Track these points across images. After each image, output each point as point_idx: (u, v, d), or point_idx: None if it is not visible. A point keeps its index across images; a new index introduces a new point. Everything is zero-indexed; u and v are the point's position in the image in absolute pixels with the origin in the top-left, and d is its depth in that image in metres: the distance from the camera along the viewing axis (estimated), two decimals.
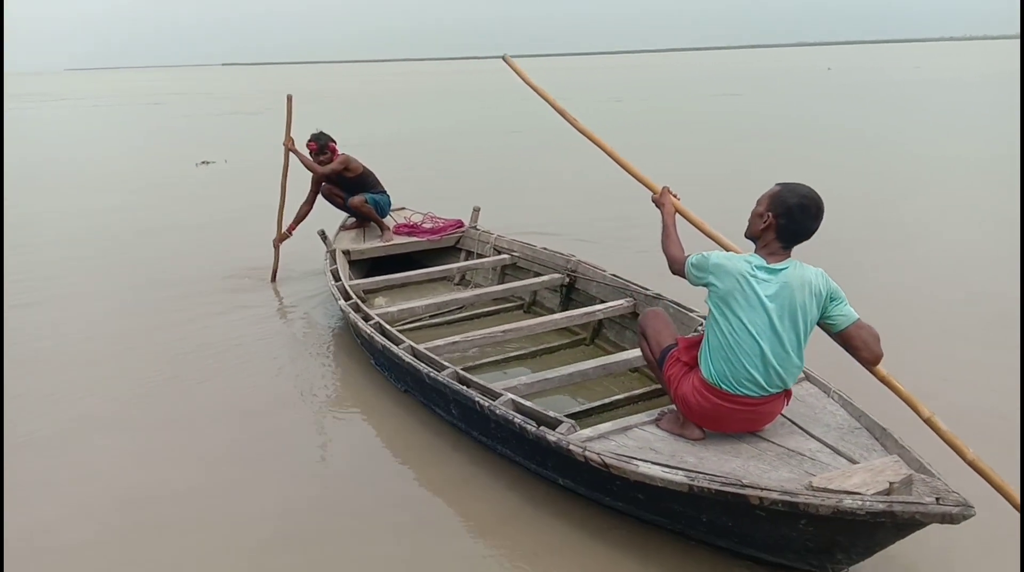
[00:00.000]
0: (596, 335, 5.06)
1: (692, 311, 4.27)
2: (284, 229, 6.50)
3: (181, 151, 16.17)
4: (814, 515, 2.50)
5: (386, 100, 34.84)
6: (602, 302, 4.96)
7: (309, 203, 6.58)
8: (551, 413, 3.22)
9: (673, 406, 3.13)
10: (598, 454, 2.89)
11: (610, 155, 3.93)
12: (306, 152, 6.38)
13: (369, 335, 4.28)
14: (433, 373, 3.73)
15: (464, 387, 3.56)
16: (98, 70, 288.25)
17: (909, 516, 2.40)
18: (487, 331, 4.53)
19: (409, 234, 6.49)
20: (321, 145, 6.37)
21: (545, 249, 5.80)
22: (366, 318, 4.52)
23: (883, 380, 2.93)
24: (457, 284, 6.32)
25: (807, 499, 2.48)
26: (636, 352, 3.83)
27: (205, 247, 7.98)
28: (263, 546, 3.06)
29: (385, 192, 6.63)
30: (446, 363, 3.81)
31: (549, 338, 5.05)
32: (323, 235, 6.24)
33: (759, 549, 2.85)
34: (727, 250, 3.18)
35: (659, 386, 3.84)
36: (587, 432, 3.09)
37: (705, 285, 2.92)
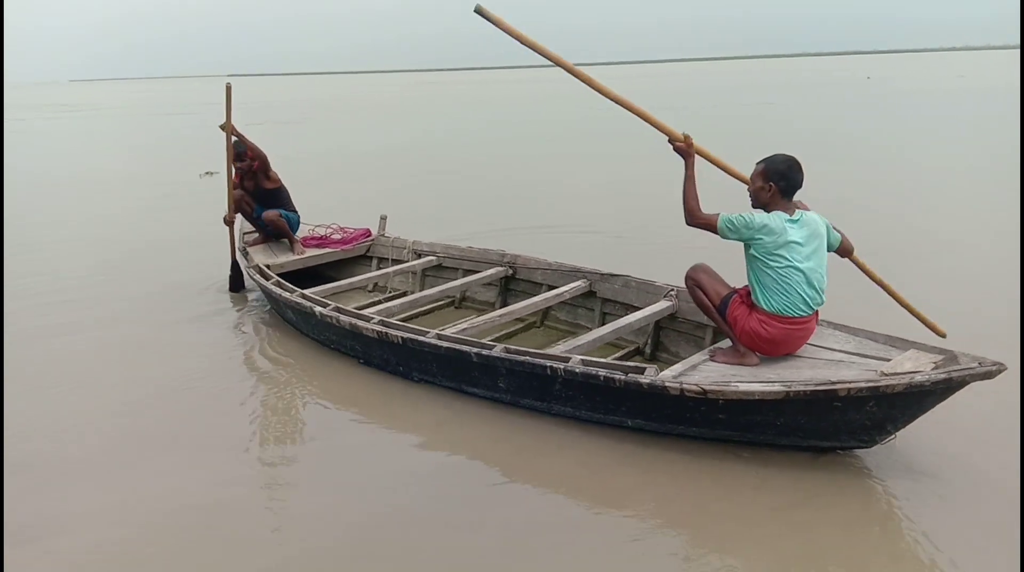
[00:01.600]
0: (545, 318, 5.55)
1: (654, 282, 4.97)
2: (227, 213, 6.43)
3: (186, 161, 15.95)
4: (889, 394, 3.24)
5: (393, 109, 34.65)
6: (551, 288, 5.39)
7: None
8: (629, 363, 3.77)
9: (721, 345, 3.93)
10: (696, 384, 3.44)
11: (622, 104, 3.90)
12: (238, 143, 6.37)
13: (387, 334, 4.43)
14: (484, 352, 4.04)
15: (528, 357, 3.91)
16: (101, 81, 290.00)
17: (961, 379, 3.17)
18: (489, 316, 4.86)
19: (319, 246, 6.50)
20: (239, 151, 6.37)
21: (471, 247, 6.13)
22: (360, 318, 4.68)
23: (860, 265, 4.07)
24: (371, 291, 6.40)
25: (887, 381, 3.22)
26: (632, 317, 4.56)
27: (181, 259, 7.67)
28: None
29: (296, 211, 6.61)
30: (489, 342, 4.19)
31: (506, 326, 5.33)
32: (244, 251, 6.10)
33: (819, 438, 3.52)
34: (742, 180, 3.86)
35: (632, 346, 4.91)
36: (668, 372, 3.65)
37: (750, 241, 3.61)
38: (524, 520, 3.18)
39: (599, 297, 5.28)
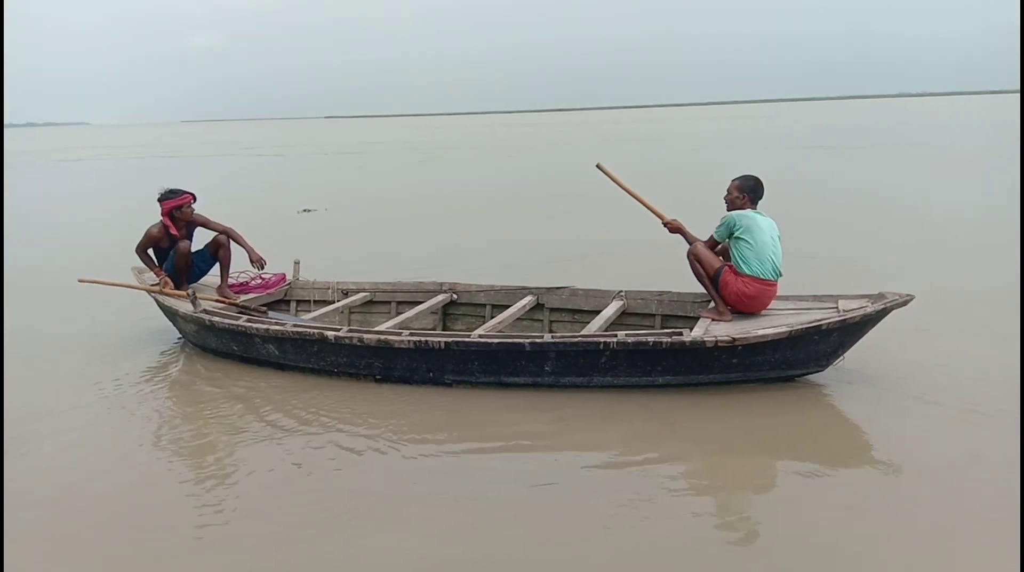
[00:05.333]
0: None
1: (599, 288, 5.92)
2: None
3: (286, 199, 16.59)
4: (850, 324, 4.54)
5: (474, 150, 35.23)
6: (496, 307, 6.07)
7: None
8: (666, 330, 5.01)
9: (706, 312, 5.12)
10: (728, 336, 4.50)
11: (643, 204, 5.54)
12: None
13: (426, 342, 4.80)
14: (537, 340, 4.67)
15: (581, 338, 4.68)
16: (209, 122, 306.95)
17: (891, 308, 4.56)
18: (496, 320, 5.43)
19: (242, 291, 6.53)
20: (182, 194, 6.20)
21: (401, 282, 6.56)
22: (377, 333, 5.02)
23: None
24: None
25: (850, 315, 4.54)
26: (606, 312, 5.46)
27: None
28: None
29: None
30: (536, 332, 5.29)
31: None
32: (193, 297, 5.68)
33: (798, 367, 4.73)
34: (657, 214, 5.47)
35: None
36: (695, 332, 4.65)
37: (735, 230, 4.97)
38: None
39: (547, 308, 6.00)
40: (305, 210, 14.47)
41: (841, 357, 4.83)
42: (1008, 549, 3.08)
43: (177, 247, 6.19)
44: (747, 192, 5.12)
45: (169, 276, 6.20)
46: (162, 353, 6.03)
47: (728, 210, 5.17)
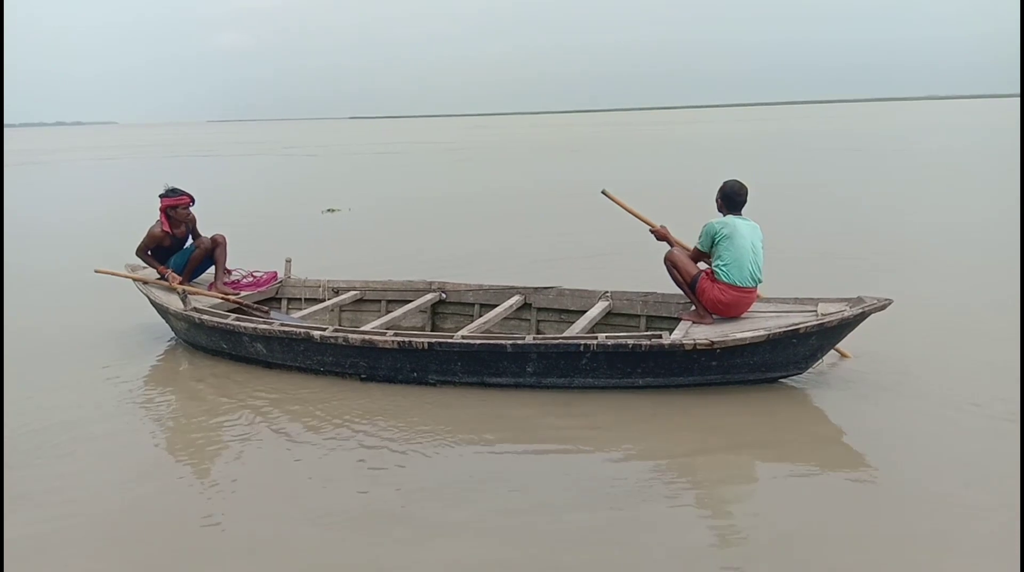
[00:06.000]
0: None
1: (586, 288, 6.03)
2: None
3: (310, 198, 16.82)
4: (828, 328, 4.60)
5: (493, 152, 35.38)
6: (484, 306, 6.13)
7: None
8: (645, 332, 5.22)
9: (687, 315, 5.21)
10: (707, 339, 4.58)
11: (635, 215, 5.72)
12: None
13: (410, 342, 4.90)
14: (519, 341, 4.77)
15: (562, 340, 4.77)
16: (234, 122, 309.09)
17: (870, 312, 4.64)
18: (482, 320, 5.54)
19: (235, 289, 6.63)
20: (182, 195, 6.54)
21: (391, 280, 6.63)
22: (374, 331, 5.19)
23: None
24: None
25: (827, 319, 4.61)
26: (591, 313, 5.58)
27: None
28: None
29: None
30: (518, 333, 5.24)
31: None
32: (183, 295, 5.96)
33: (777, 370, 4.79)
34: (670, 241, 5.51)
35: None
36: (674, 335, 4.76)
37: (715, 238, 5.02)
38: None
39: (534, 308, 6.11)
40: (329, 210, 14.70)
41: (820, 360, 4.95)
42: (988, 551, 3.16)
43: (200, 241, 6.53)
44: (731, 197, 5.19)
45: (175, 271, 6.45)
46: (150, 351, 6.18)
47: (718, 211, 5.31)
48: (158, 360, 6.04)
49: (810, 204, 13.72)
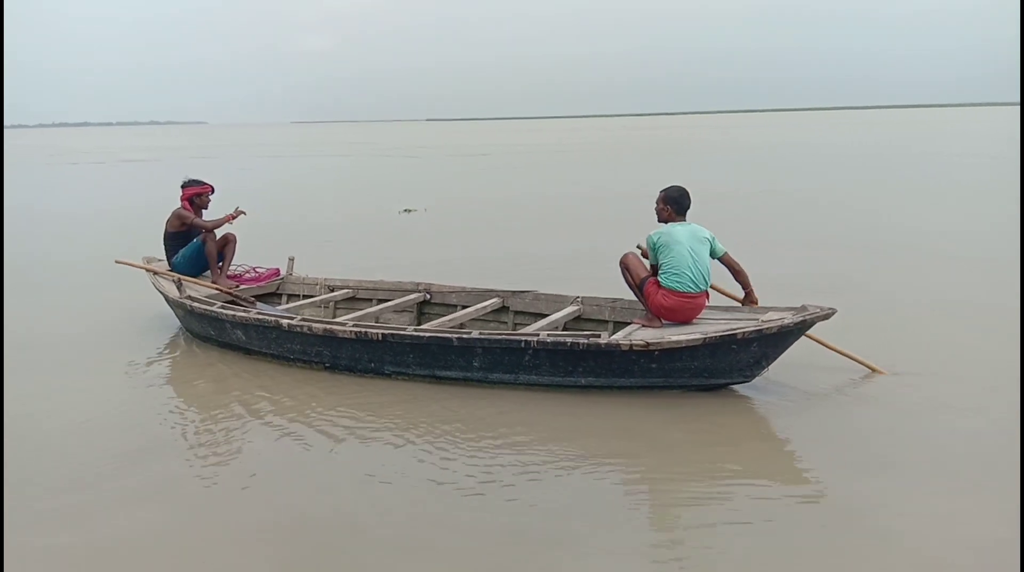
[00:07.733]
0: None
1: (562, 295, 6.13)
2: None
3: (389, 198, 17.18)
4: (768, 335, 4.61)
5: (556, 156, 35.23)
6: (466, 308, 6.17)
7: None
8: (584, 332, 5.03)
9: (638, 319, 5.29)
10: (642, 340, 4.69)
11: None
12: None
13: (366, 333, 5.09)
14: (465, 335, 4.96)
15: (505, 335, 4.96)
16: (316, 123, 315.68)
17: (813, 321, 4.64)
18: (448, 317, 5.74)
19: (237, 283, 6.91)
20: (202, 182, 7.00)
21: (383, 280, 6.86)
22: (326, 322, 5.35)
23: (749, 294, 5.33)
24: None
25: (767, 325, 4.61)
26: (555, 315, 5.71)
27: None
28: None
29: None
30: (466, 329, 5.20)
31: None
32: (179, 282, 6.35)
33: (721, 376, 4.84)
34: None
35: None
36: (616, 335, 4.87)
37: (654, 247, 5.12)
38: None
39: (512, 310, 6.31)
40: (405, 210, 14.97)
41: (766, 368, 4.90)
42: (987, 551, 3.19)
43: (224, 236, 6.97)
44: (671, 203, 5.22)
45: (181, 261, 6.87)
46: (154, 338, 6.52)
47: (658, 221, 5.33)
48: (156, 347, 6.34)
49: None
